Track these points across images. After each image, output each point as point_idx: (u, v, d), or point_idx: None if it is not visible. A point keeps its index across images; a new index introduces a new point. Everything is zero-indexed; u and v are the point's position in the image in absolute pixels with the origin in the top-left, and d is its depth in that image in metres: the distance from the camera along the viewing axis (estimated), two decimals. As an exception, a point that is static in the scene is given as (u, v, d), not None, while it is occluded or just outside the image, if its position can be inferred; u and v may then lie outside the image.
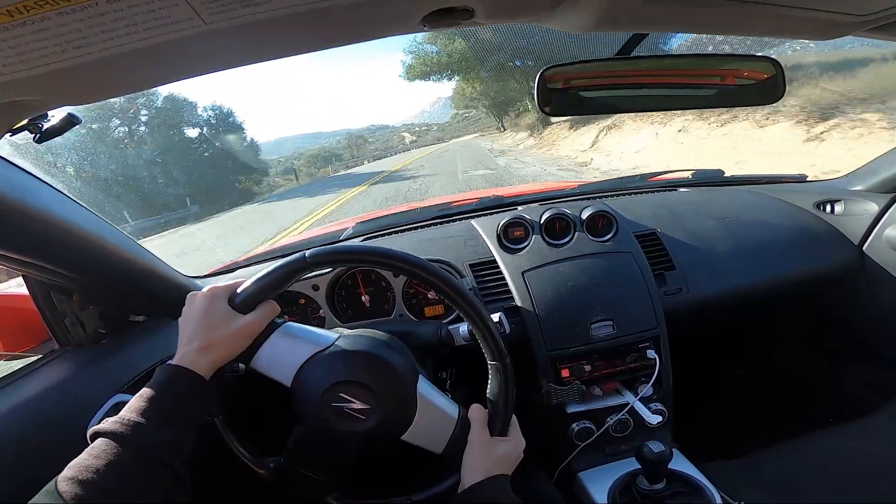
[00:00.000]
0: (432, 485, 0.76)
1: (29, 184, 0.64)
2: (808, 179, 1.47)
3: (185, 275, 1.06)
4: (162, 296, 0.97)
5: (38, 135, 0.52)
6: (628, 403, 1.03)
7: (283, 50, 0.44)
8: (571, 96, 0.68)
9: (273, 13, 0.36)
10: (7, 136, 0.50)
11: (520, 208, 1.26)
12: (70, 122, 0.54)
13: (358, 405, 0.69)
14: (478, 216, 1.27)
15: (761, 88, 0.68)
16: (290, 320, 0.74)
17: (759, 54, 0.69)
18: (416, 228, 1.27)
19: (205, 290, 0.67)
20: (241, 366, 0.70)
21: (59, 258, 0.74)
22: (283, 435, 0.73)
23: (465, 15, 0.45)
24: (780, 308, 1.47)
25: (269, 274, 0.67)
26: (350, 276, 1.09)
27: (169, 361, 0.62)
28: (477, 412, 0.75)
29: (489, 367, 0.73)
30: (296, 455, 0.72)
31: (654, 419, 1.00)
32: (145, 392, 0.58)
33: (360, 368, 0.70)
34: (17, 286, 0.97)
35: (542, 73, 0.66)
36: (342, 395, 0.69)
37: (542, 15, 0.47)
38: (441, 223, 1.29)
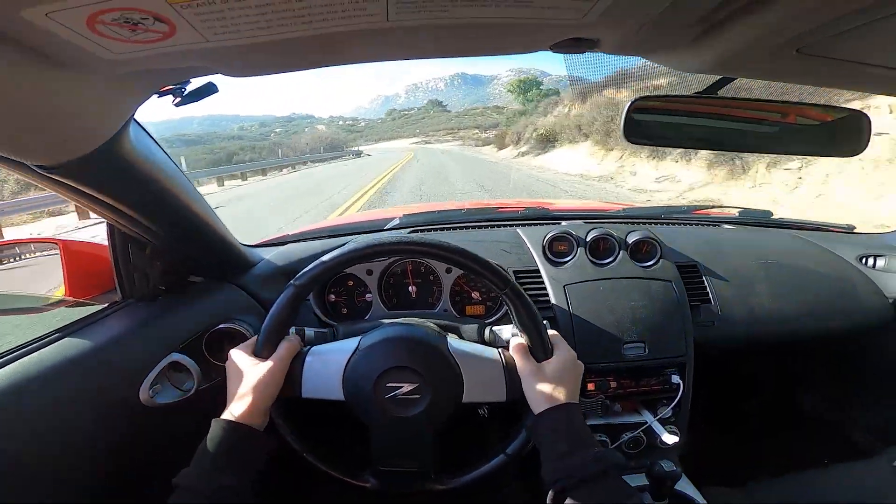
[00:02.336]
0: (515, 436, 0.80)
1: (150, 145, 0.68)
2: (855, 231, 1.47)
3: (242, 242, 1.10)
4: (222, 260, 1.01)
5: (179, 98, 0.55)
6: (646, 422, 1.06)
7: (428, 52, 0.47)
8: (656, 128, 0.70)
9: (438, 21, 0.40)
10: (154, 96, 0.53)
11: (564, 223, 1.28)
12: (209, 89, 0.56)
13: (407, 387, 0.74)
14: (524, 225, 1.29)
15: (844, 139, 0.69)
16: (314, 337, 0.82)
17: (847, 106, 0.70)
18: (463, 228, 1.30)
19: (231, 353, 0.75)
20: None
21: (158, 216, 0.78)
22: (366, 447, 0.78)
23: (590, 44, 0.48)
24: (805, 351, 1.48)
25: (272, 316, 0.74)
26: (401, 265, 1.12)
27: (219, 418, 0.70)
28: (516, 345, 0.78)
29: (501, 299, 0.77)
30: (383, 458, 0.77)
31: (671, 439, 1.02)
32: (203, 446, 0.66)
33: (391, 355, 0.75)
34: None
35: (632, 103, 0.68)
36: (389, 385, 0.74)
37: (662, 54, 0.50)
38: (488, 227, 1.31)
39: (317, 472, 0.81)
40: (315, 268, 0.74)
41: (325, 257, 0.75)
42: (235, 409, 0.70)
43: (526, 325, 0.77)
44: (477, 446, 0.90)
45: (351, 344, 0.78)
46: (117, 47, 0.38)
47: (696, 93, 0.67)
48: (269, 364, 0.73)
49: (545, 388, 0.73)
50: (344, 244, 0.96)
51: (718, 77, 0.65)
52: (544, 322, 0.79)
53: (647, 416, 1.07)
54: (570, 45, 0.48)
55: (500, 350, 0.79)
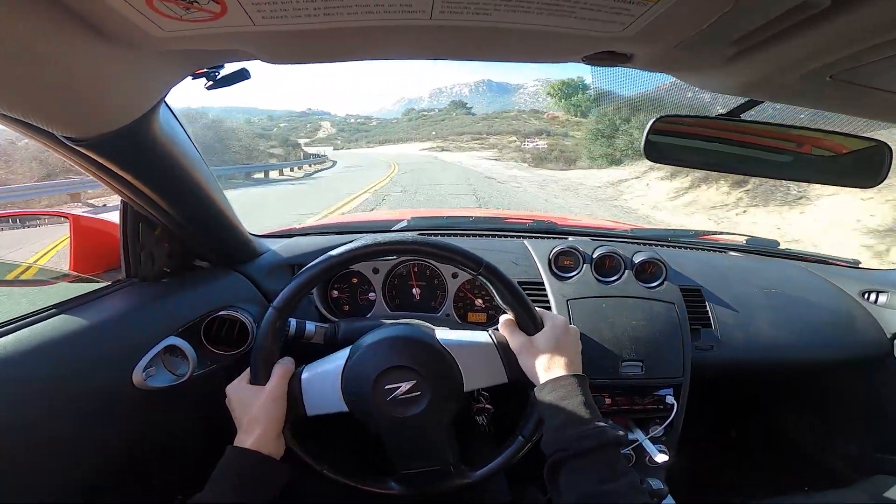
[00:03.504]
0: (528, 418, 0.79)
1: (176, 128, 0.69)
2: (860, 266, 1.48)
3: (250, 232, 1.10)
4: (229, 247, 1.01)
5: (212, 82, 0.55)
6: (637, 440, 1.06)
7: (464, 54, 0.47)
8: (677, 148, 0.70)
9: (479, 23, 0.40)
10: (189, 78, 0.53)
11: (571, 238, 1.28)
12: (242, 75, 0.56)
13: (405, 386, 0.74)
14: (531, 238, 1.29)
15: (863, 169, 0.69)
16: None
17: (868, 136, 0.70)
18: (470, 235, 1.30)
19: (227, 389, 0.78)
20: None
21: (174, 198, 0.78)
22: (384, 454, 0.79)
23: (622, 59, 0.48)
24: (799, 380, 1.50)
25: (259, 343, 0.76)
26: (406, 266, 1.12)
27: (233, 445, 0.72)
28: (503, 321, 0.78)
29: (479, 280, 0.79)
30: (402, 462, 0.77)
31: (661, 458, 1.02)
32: (217, 472, 0.68)
33: (382, 357, 0.75)
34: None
35: (654, 121, 0.68)
36: (387, 387, 0.74)
37: (693, 73, 0.50)
38: (495, 236, 1.31)
39: (341, 488, 0.81)
40: (291, 288, 0.76)
41: (299, 275, 0.76)
42: (246, 438, 0.71)
43: (509, 301, 0.77)
44: (494, 436, 0.89)
45: (342, 354, 0.78)
46: (168, 24, 0.38)
47: (719, 115, 0.67)
48: (267, 388, 0.74)
49: (541, 360, 0.73)
50: (350, 241, 0.97)
51: (744, 100, 0.65)
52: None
53: (639, 434, 1.07)
54: (603, 58, 0.48)
55: (490, 331, 0.79)
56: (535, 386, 0.73)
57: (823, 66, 0.44)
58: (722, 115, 0.68)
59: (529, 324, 0.76)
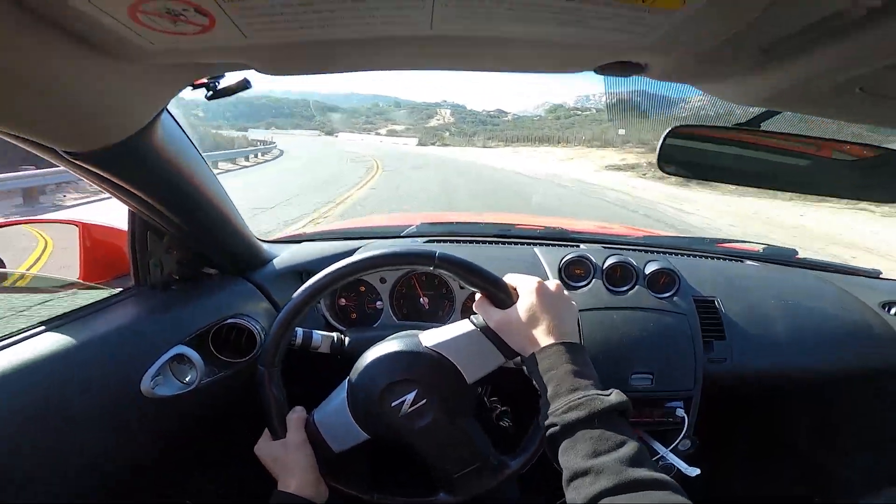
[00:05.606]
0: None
1: (180, 137, 0.69)
2: (881, 276, 1.44)
3: (257, 238, 1.10)
4: (238, 254, 1.00)
5: (212, 92, 0.55)
6: (657, 453, 1.03)
7: (467, 65, 0.46)
8: (694, 160, 0.68)
9: (482, 34, 0.38)
10: (188, 89, 0.53)
11: (583, 246, 1.26)
12: (244, 85, 0.56)
13: (409, 397, 0.73)
14: (541, 245, 1.27)
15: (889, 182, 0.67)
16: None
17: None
18: (478, 242, 1.28)
19: (255, 449, 0.80)
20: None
21: (181, 207, 0.78)
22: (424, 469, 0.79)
23: (636, 69, 0.47)
24: (815, 393, 1.45)
25: (264, 404, 0.78)
26: (412, 277, 1.11)
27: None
28: (477, 302, 0.75)
29: (436, 273, 0.79)
30: (443, 470, 0.77)
31: (693, 472, 0.99)
32: None
33: (376, 378, 0.75)
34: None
35: (670, 131, 0.66)
36: (394, 405, 0.74)
37: (711, 83, 0.48)
38: (504, 243, 1.30)
39: None
40: (272, 343, 0.77)
41: (276, 324, 0.77)
42: (289, 486, 0.73)
43: (472, 281, 0.73)
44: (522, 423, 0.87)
45: (342, 387, 0.79)
46: (158, 38, 0.37)
47: (737, 124, 0.65)
48: (288, 440, 0.77)
49: (521, 332, 0.68)
50: (360, 248, 0.95)
51: (762, 110, 0.63)
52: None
53: (659, 447, 1.04)
54: (616, 68, 0.46)
55: (470, 318, 0.76)
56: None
57: (854, 78, 0.41)
58: (740, 124, 0.66)
59: (501, 296, 0.72)
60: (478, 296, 0.75)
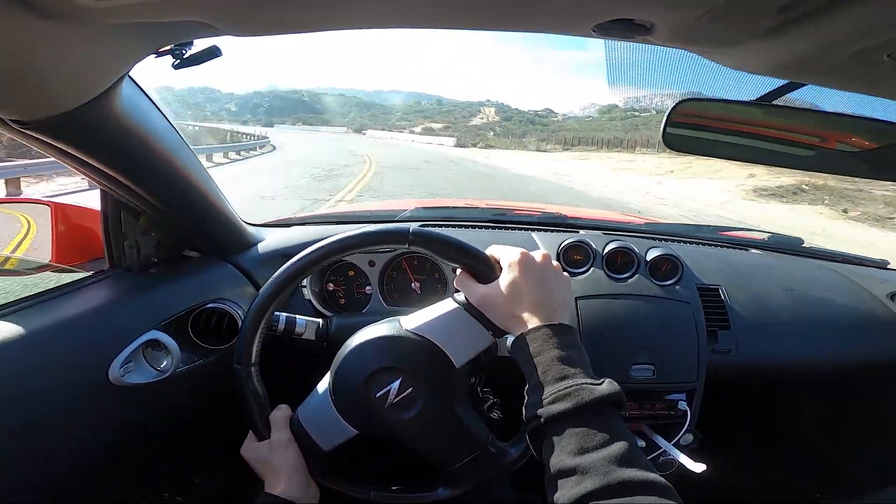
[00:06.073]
0: None
1: (148, 109, 0.64)
2: (889, 267, 1.40)
3: (244, 220, 1.05)
4: (220, 236, 0.97)
5: (178, 61, 0.50)
6: (660, 447, 1.00)
7: (451, 22, 0.42)
8: (699, 134, 0.63)
9: None
10: (152, 57, 0.48)
11: (582, 232, 1.22)
12: (212, 53, 0.52)
13: (394, 386, 0.69)
14: (539, 230, 1.23)
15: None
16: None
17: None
18: (473, 227, 1.24)
19: (241, 452, 0.77)
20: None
21: (152, 184, 0.74)
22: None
23: (641, 30, 0.42)
24: (822, 385, 1.43)
25: (244, 406, 0.75)
26: (403, 260, 1.07)
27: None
28: (458, 277, 0.69)
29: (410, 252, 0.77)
30: (439, 462, 0.73)
31: (699, 467, 0.96)
32: None
33: (357, 368, 0.71)
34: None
35: (675, 105, 0.61)
36: (379, 395, 0.69)
37: (720, 49, 0.43)
38: (500, 228, 1.25)
39: None
40: (244, 341, 0.74)
41: (246, 321, 0.74)
42: (276, 488, 0.71)
43: (451, 256, 0.68)
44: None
45: (324, 381, 0.75)
46: None
47: (751, 100, 0.60)
48: (273, 440, 0.74)
49: (504, 307, 0.63)
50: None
51: (781, 83, 0.58)
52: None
53: (661, 441, 1.01)
54: (617, 28, 0.41)
55: (453, 296, 0.71)
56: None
57: (881, 44, 0.36)
58: (751, 100, 0.61)
59: (482, 269, 0.67)
60: (458, 271, 0.70)
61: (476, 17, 0.41)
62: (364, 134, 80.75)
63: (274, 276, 0.73)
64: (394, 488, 0.77)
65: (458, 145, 53.67)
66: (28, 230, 1.00)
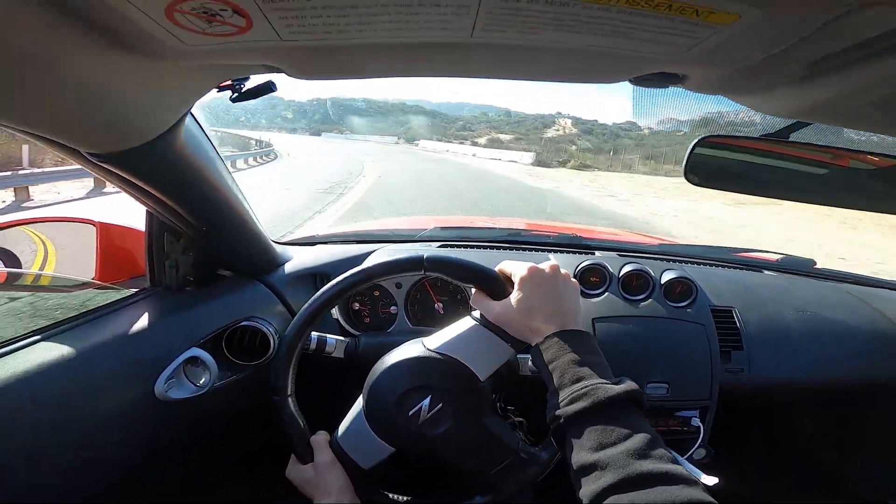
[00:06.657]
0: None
1: (202, 140, 0.68)
2: None
3: (272, 239, 1.09)
4: (253, 256, 1.00)
5: (236, 94, 0.53)
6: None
7: (502, 73, 0.45)
8: (723, 170, 0.66)
9: (522, 42, 0.37)
10: (214, 91, 0.52)
11: (598, 254, 1.25)
12: (268, 88, 0.55)
13: (424, 403, 0.72)
14: (556, 251, 1.26)
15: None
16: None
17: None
18: (490, 247, 1.27)
19: (287, 475, 0.80)
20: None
21: (199, 209, 0.78)
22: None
23: (675, 80, 0.45)
24: (833, 406, 1.44)
25: (286, 431, 0.78)
26: (428, 282, 1.10)
27: None
28: (473, 296, 0.73)
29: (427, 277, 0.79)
30: (474, 472, 0.75)
31: (711, 481, 0.97)
32: None
33: (388, 390, 0.74)
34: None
35: (698, 141, 0.65)
36: (411, 414, 0.72)
37: (751, 95, 0.47)
38: (517, 248, 1.29)
39: None
40: (276, 371, 0.77)
41: (278, 359, 0.78)
42: None
43: (464, 277, 0.73)
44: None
45: (358, 404, 0.78)
46: (191, 38, 0.36)
47: (766, 134, 0.64)
48: (317, 462, 0.77)
49: (520, 321, 0.65)
50: (373, 251, 0.95)
51: (792, 121, 0.61)
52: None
53: (674, 456, 1.02)
54: (654, 79, 0.45)
55: (471, 313, 0.75)
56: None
57: None
58: (770, 134, 0.64)
59: (494, 286, 0.71)
60: (473, 291, 0.74)
61: (522, 69, 0.45)
62: (416, 144, 71.54)
63: (302, 309, 0.77)
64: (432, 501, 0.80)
65: (539, 163, 38.74)
66: (46, 248, 1.04)
